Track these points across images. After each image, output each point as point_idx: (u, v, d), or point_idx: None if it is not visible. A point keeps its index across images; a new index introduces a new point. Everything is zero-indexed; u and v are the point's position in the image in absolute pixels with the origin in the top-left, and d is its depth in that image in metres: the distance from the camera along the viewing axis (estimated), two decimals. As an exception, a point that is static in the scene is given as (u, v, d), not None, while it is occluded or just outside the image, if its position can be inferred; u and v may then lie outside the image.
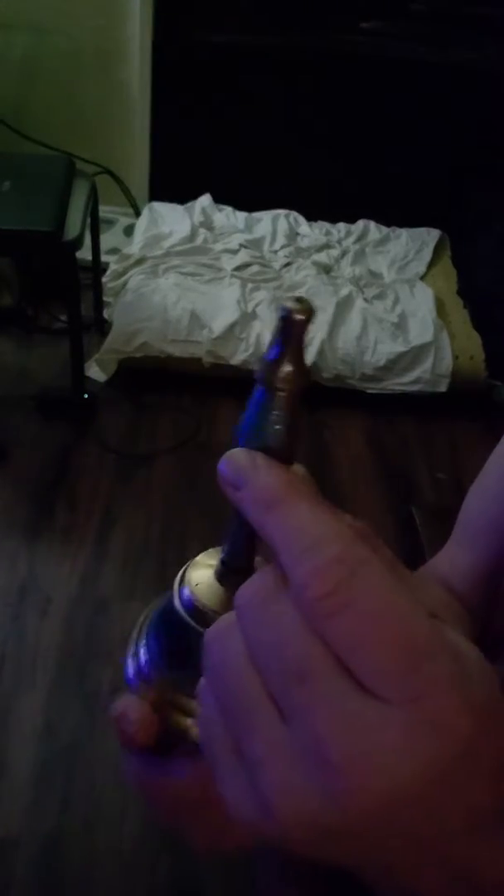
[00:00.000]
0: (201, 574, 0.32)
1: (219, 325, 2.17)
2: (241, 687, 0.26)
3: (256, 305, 2.25)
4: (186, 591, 0.32)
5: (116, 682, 1.54)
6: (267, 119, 2.62)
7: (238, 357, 2.16)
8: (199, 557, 0.34)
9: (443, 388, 2.21)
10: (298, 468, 0.30)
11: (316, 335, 2.20)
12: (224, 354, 2.16)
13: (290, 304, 0.27)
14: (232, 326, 2.16)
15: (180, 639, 0.32)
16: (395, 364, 2.21)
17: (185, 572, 0.33)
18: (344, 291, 2.34)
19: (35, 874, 1.27)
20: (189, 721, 0.32)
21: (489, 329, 2.33)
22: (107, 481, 1.96)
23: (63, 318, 2.26)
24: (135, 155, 2.68)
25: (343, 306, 2.29)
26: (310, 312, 0.27)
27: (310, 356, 2.18)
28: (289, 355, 0.28)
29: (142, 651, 0.34)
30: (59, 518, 1.86)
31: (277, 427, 0.29)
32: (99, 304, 2.36)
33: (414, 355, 2.21)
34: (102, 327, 2.34)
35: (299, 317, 0.27)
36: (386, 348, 2.21)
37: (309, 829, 0.24)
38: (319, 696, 0.24)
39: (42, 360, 2.28)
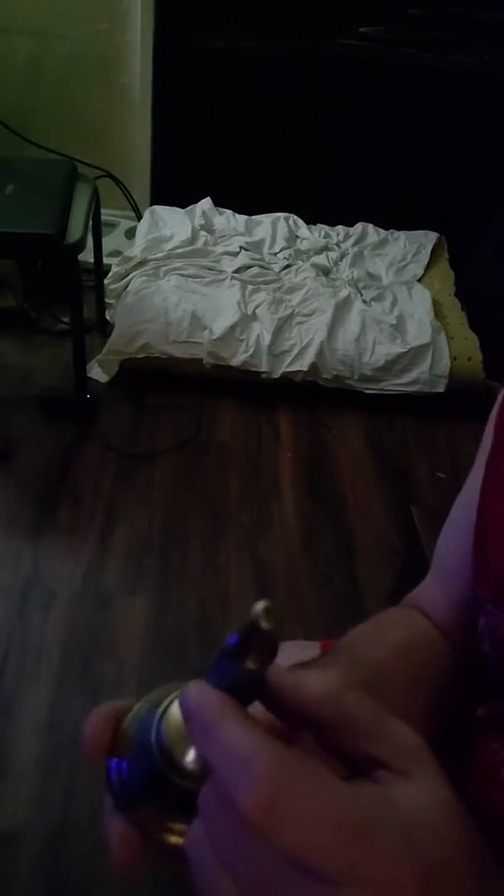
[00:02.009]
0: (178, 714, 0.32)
1: (219, 326, 2.19)
2: (218, 891, 0.28)
3: (256, 307, 2.28)
4: (163, 730, 0.32)
5: (119, 676, 1.56)
6: (266, 123, 2.64)
7: (238, 358, 2.18)
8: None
9: (441, 388, 2.24)
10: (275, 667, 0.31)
11: (315, 336, 2.22)
12: (224, 355, 2.18)
13: (259, 610, 0.29)
14: (232, 328, 2.18)
15: (152, 769, 0.32)
16: (394, 365, 2.23)
17: (168, 706, 0.33)
18: (343, 293, 2.37)
19: (39, 867, 1.28)
20: (178, 839, 0.32)
21: (486, 330, 2.35)
22: (109, 480, 1.98)
23: (65, 319, 2.28)
24: (136, 158, 2.70)
25: (342, 308, 2.31)
26: (276, 623, 0.28)
27: (309, 357, 2.20)
28: (255, 649, 0.29)
29: (124, 767, 0.33)
30: (62, 516, 1.88)
31: (242, 681, 0.30)
32: (101, 306, 2.38)
33: (412, 356, 2.23)
34: (104, 329, 2.36)
35: (265, 625, 0.29)
36: (384, 349, 2.23)
37: None
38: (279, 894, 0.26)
39: (45, 361, 2.30)
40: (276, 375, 2.20)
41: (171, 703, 0.33)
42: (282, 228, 2.64)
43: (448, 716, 0.53)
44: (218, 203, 2.69)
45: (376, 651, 0.50)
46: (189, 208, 2.65)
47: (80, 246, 1.84)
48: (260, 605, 0.29)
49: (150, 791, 0.32)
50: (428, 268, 2.60)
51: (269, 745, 0.27)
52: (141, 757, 0.32)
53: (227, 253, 2.49)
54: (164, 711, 0.33)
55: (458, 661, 0.54)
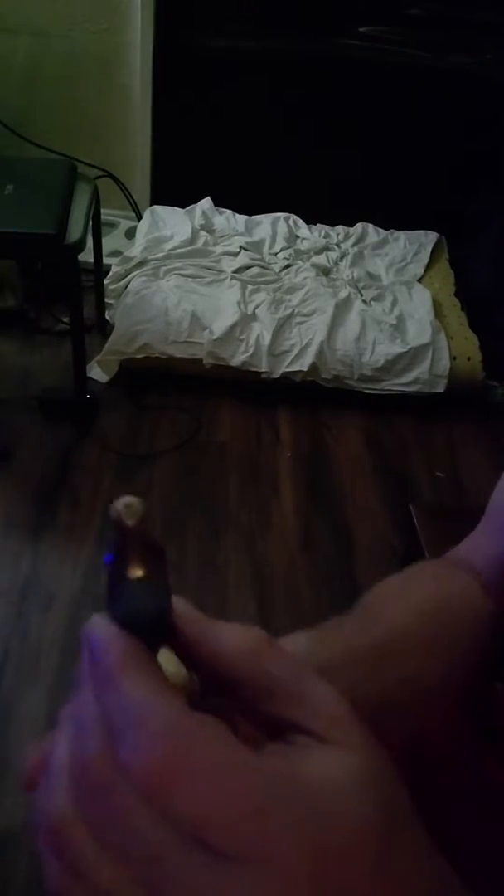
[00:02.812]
0: None
1: (219, 326, 2.19)
2: (85, 877, 0.25)
3: (256, 307, 2.28)
4: None
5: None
6: (266, 123, 2.64)
7: (238, 358, 2.18)
8: None
9: (440, 388, 2.24)
10: (179, 603, 0.29)
11: (315, 336, 2.22)
12: (224, 355, 2.18)
13: (119, 507, 0.27)
14: (232, 328, 2.19)
15: None
16: (394, 365, 2.23)
17: None
18: (343, 293, 2.37)
19: (36, 869, 1.28)
20: None
21: (486, 330, 2.35)
22: (108, 480, 1.98)
23: (65, 319, 2.28)
24: (136, 158, 2.70)
25: (342, 308, 2.31)
26: (139, 518, 0.27)
27: (309, 357, 2.20)
28: (130, 552, 0.27)
29: None
30: (62, 517, 1.88)
31: (136, 598, 0.28)
32: (101, 306, 2.38)
33: (412, 356, 2.23)
34: (104, 329, 2.36)
35: (129, 522, 0.27)
36: (384, 349, 2.23)
37: None
38: (172, 878, 0.24)
39: (44, 362, 2.30)
40: (276, 375, 2.20)
41: None
42: (282, 228, 2.64)
43: (474, 688, 0.49)
44: (218, 203, 2.69)
45: (394, 609, 0.47)
46: (189, 208, 2.65)
47: (80, 246, 1.84)
48: (119, 504, 0.27)
49: None
50: (428, 268, 2.60)
51: (169, 703, 0.25)
52: None
53: (227, 253, 2.49)
54: None
55: (500, 623, 0.49)
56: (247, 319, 2.22)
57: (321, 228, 2.71)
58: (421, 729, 0.46)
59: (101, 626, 0.28)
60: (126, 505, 0.27)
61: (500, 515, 0.56)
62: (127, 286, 2.33)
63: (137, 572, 0.27)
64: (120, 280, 2.37)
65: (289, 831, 0.23)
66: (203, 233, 2.55)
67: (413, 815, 0.26)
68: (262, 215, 2.69)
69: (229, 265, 2.43)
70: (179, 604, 0.30)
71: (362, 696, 0.39)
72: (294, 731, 0.27)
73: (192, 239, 2.50)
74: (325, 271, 2.50)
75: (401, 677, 0.44)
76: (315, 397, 2.27)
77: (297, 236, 2.66)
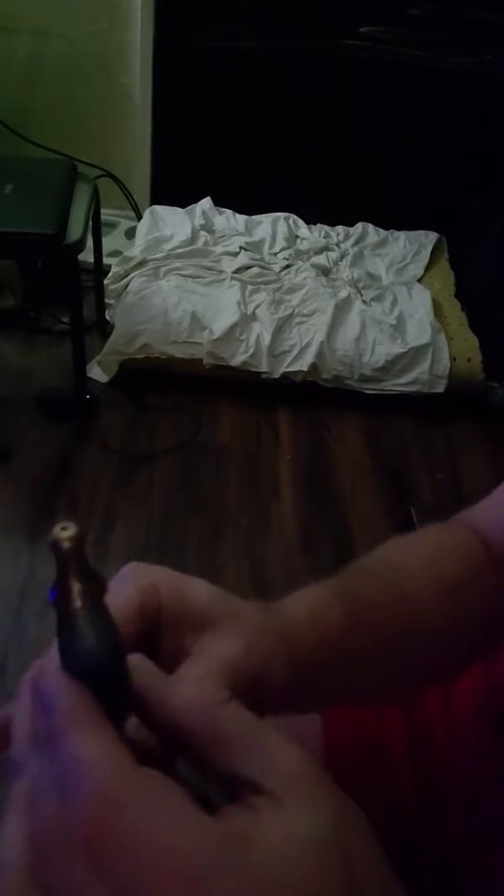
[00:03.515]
0: None
1: (219, 326, 2.19)
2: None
3: (256, 307, 2.27)
4: None
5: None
6: (267, 123, 2.64)
7: (238, 358, 2.18)
8: None
9: (440, 389, 2.23)
10: (136, 659, 0.29)
11: (315, 336, 2.22)
12: (224, 356, 2.18)
13: (56, 533, 0.27)
14: (232, 328, 2.18)
15: None
16: (394, 365, 2.23)
17: None
18: (342, 293, 2.37)
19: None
20: None
21: (486, 331, 2.35)
22: (108, 481, 1.98)
23: (65, 319, 2.28)
24: (136, 158, 2.70)
25: (342, 308, 2.31)
26: (75, 541, 0.27)
27: (309, 357, 2.20)
28: (72, 578, 0.27)
29: None
30: (61, 517, 1.87)
31: (88, 641, 0.27)
32: (100, 306, 2.38)
33: (412, 357, 2.23)
34: (104, 329, 2.36)
35: (67, 545, 0.27)
36: (384, 350, 2.23)
37: None
38: None
39: (44, 362, 2.30)
40: (276, 376, 2.20)
41: None
42: (282, 228, 2.64)
43: (486, 644, 0.49)
44: (218, 203, 2.69)
45: (376, 581, 0.46)
46: (189, 208, 2.65)
47: (80, 246, 1.84)
48: (55, 529, 0.27)
49: None
50: (428, 268, 2.60)
51: (116, 757, 0.24)
52: None
53: (227, 253, 2.49)
54: None
55: None
56: (247, 319, 2.22)
57: (321, 228, 2.71)
58: (435, 675, 0.48)
59: (50, 678, 0.27)
60: (62, 528, 0.27)
61: None
62: (127, 286, 2.33)
63: (84, 603, 0.27)
64: (120, 280, 2.37)
65: None
66: (203, 233, 2.55)
67: (382, 862, 0.25)
68: (262, 215, 2.69)
69: (229, 265, 2.43)
70: (136, 660, 0.29)
71: (380, 642, 0.41)
72: (250, 790, 0.25)
73: (192, 239, 2.50)
74: (325, 271, 2.50)
75: (413, 617, 0.44)
76: (315, 397, 2.27)
77: (297, 236, 2.66)
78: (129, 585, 0.33)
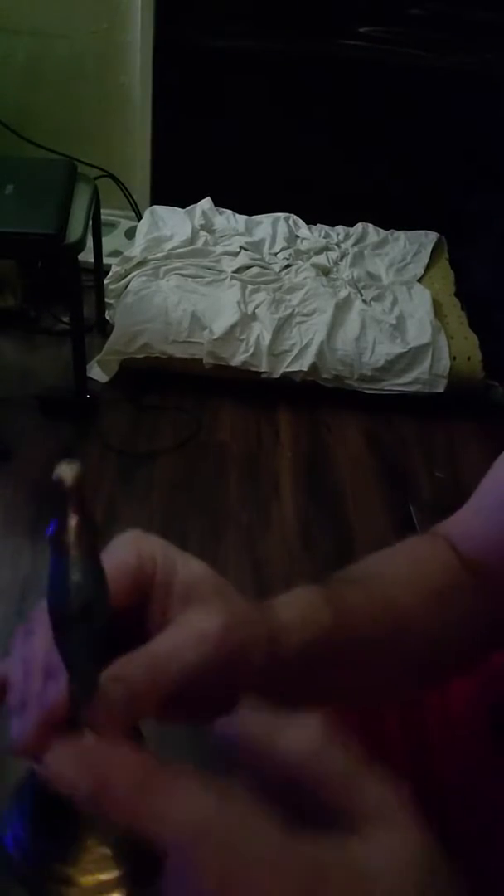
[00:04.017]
0: None
1: (219, 326, 2.19)
2: None
3: (256, 307, 2.28)
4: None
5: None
6: (266, 123, 2.64)
7: (238, 358, 2.18)
8: None
9: (440, 388, 2.24)
10: (243, 710, 0.31)
11: (315, 336, 2.22)
12: (224, 355, 2.18)
13: (61, 470, 0.28)
14: (232, 328, 2.19)
15: (43, 806, 0.31)
16: (394, 365, 2.23)
17: None
18: (343, 293, 2.37)
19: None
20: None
21: (486, 330, 2.35)
22: (108, 481, 1.98)
23: (65, 319, 2.28)
24: (136, 158, 2.70)
25: (342, 308, 2.31)
26: (77, 478, 0.28)
27: (309, 357, 2.20)
28: (72, 514, 0.28)
29: (15, 818, 0.32)
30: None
31: (79, 576, 0.29)
32: (101, 306, 2.38)
33: (412, 356, 2.23)
34: (104, 329, 2.36)
35: (71, 482, 0.28)
36: (384, 349, 2.23)
37: None
38: None
39: (44, 361, 2.30)
40: (276, 375, 2.20)
41: None
42: (282, 228, 2.64)
43: (472, 655, 0.50)
44: (218, 203, 2.69)
45: (362, 588, 0.47)
46: (189, 208, 2.65)
47: (80, 246, 1.84)
48: (60, 466, 0.28)
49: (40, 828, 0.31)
50: (428, 268, 2.60)
51: (220, 807, 0.26)
52: (31, 787, 0.32)
53: (227, 253, 2.49)
54: None
55: (481, 601, 0.50)
56: (247, 319, 2.22)
57: (321, 228, 2.71)
58: (424, 679, 0.50)
59: (109, 754, 0.29)
60: (67, 466, 0.28)
61: (488, 498, 0.57)
62: (127, 286, 2.33)
63: (74, 537, 0.28)
64: (120, 280, 2.37)
65: None
66: (203, 233, 2.55)
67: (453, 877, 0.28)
68: (262, 215, 2.69)
69: (229, 265, 2.43)
70: (243, 711, 0.31)
71: (373, 646, 0.43)
72: (342, 822, 0.28)
73: (192, 239, 2.50)
74: (325, 271, 2.50)
75: (400, 622, 0.46)
76: (315, 397, 2.27)
77: (297, 236, 2.66)
78: (130, 552, 0.36)
